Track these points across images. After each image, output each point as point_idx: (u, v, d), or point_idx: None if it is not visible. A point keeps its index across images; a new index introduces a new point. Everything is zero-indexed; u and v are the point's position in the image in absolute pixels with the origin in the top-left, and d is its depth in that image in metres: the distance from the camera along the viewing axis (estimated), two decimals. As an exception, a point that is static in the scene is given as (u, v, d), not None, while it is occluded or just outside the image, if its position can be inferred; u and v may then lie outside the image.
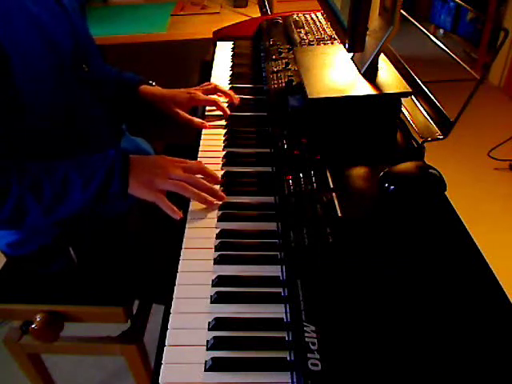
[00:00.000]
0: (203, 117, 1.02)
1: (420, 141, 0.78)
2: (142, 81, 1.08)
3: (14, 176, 0.73)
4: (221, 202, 0.76)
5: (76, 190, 0.74)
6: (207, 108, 1.05)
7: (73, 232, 0.94)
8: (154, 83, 1.10)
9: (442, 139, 0.75)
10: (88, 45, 0.92)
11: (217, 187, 0.79)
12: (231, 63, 1.28)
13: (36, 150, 0.81)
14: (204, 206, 0.76)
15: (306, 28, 1.26)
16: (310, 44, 1.14)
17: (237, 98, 1.05)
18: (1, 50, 0.69)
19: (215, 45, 1.41)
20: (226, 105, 1.03)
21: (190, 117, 1.01)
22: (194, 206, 0.77)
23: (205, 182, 0.78)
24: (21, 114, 0.76)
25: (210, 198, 0.76)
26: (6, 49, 0.69)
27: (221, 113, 1.02)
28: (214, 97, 1.05)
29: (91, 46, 0.95)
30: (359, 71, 0.83)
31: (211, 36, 1.53)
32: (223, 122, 1.00)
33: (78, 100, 0.87)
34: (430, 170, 0.67)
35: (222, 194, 0.78)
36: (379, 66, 0.82)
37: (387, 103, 0.80)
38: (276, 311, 0.58)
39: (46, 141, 0.82)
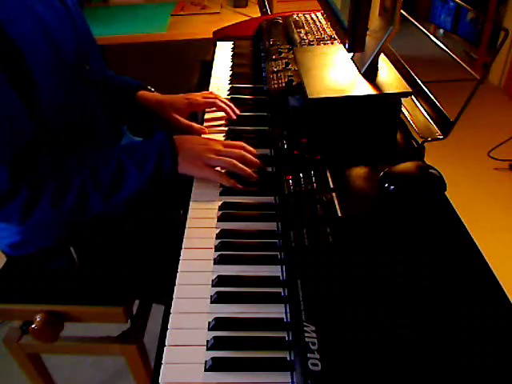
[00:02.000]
0: (202, 120, 1.02)
1: (420, 141, 0.78)
2: (140, 86, 1.08)
3: (75, 166, 0.76)
4: (220, 202, 0.77)
5: (131, 175, 0.77)
6: (206, 110, 1.04)
7: (74, 233, 0.94)
8: (152, 89, 1.09)
9: (442, 139, 0.75)
10: (89, 44, 0.92)
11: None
12: (231, 63, 1.28)
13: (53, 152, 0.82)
14: (204, 206, 0.76)
15: (306, 28, 1.26)
16: (310, 44, 1.14)
17: (237, 112, 1.02)
18: (15, 47, 0.69)
19: (215, 45, 1.41)
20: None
21: (189, 123, 1.00)
22: (195, 206, 0.77)
23: (249, 155, 0.82)
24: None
25: (255, 175, 0.81)
26: (19, 46, 0.69)
27: (221, 115, 1.01)
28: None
29: (92, 44, 0.95)
30: (359, 71, 0.83)
31: (211, 36, 1.53)
32: (222, 121, 1.00)
33: (81, 99, 0.87)
34: (430, 170, 0.67)
35: (263, 165, 0.83)
36: (379, 65, 0.82)
37: (387, 103, 0.80)
38: (276, 311, 0.58)
39: (48, 139, 0.82)
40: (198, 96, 1.04)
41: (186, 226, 0.73)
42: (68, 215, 0.79)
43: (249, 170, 0.81)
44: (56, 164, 0.77)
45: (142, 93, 1.07)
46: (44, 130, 0.79)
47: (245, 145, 0.85)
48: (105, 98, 0.97)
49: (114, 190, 0.78)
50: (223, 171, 0.81)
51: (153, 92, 1.09)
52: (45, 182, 0.74)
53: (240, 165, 0.80)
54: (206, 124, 1.00)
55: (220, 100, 1.02)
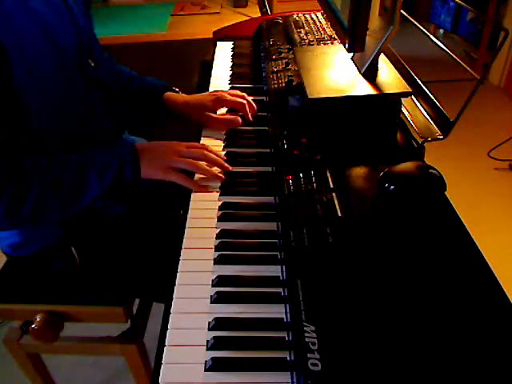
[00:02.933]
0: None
1: (420, 141, 0.78)
2: (165, 87, 1.06)
3: (34, 173, 0.74)
4: (220, 202, 0.77)
5: (91, 185, 0.76)
6: None
7: (74, 233, 0.94)
8: (177, 89, 1.08)
9: (442, 139, 0.75)
10: (92, 42, 0.92)
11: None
12: (231, 63, 1.28)
13: (35, 149, 0.81)
14: (204, 206, 0.76)
15: (306, 28, 1.26)
16: (310, 44, 1.14)
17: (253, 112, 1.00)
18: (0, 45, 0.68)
19: (215, 45, 1.41)
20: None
21: (222, 116, 0.99)
22: (195, 206, 0.77)
23: (212, 154, 0.82)
24: (21, 112, 0.76)
25: (220, 175, 0.81)
26: (2, 42, 0.68)
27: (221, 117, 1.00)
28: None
29: (95, 43, 0.95)
30: (359, 71, 0.83)
31: (211, 36, 1.53)
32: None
33: (83, 98, 0.86)
34: (430, 170, 0.67)
35: (227, 164, 0.83)
36: (379, 66, 0.82)
37: (387, 103, 0.80)
38: (276, 311, 0.58)
39: (46, 139, 0.82)
40: (225, 92, 1.02)
41: (186, 226, 0.73)
42: (23, 223, 0.78)
43: (212, 171, 0.81)
44: (15, 171, 0.74)
45: (169, 94, 1.05)
46: (31, 131, 0.78)
47: (206, 146, 0.86)
48: (110, 94, 0.97)
49: (73, 199, 0.77)
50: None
51: (178, 92, 1.07)
52: (3, 188, 0.72)
53: (202, 166, 0.80)
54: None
55: (249, 104, 0.99)
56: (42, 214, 0.76)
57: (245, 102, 0.99)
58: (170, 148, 0.82)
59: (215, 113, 1.00)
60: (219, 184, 0.80)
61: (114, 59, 1.13)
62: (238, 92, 1.03)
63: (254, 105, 1.01)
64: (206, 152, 0.82)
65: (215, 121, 0.98)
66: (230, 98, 1.00)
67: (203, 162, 0.81)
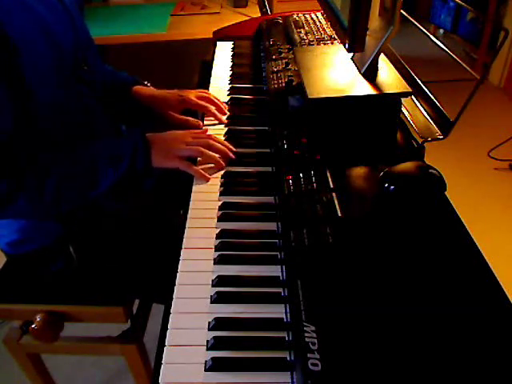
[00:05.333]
0: (203, 119, 1.01)
1: (420, 141, 0.78)
2: (135, 81, 1.08)
3: (51, 163, 0.77)
4: (220, 202, 0.77)
5: (105, 175, 0.78)
6: None
7: (73, 231, 0.94)
8: (148, 84, 1.10)
9: (442, 139, 0.75)
10: (87, 44, 0.92)
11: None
12: (231, 63, 1.28)
13: (37, 147, 0.81)
14: (204, 206, 0.76)
15: (306, 28, 1.26)
16: (310, 44, 1.14)
17: (225, 116, 1.02)
18: (10, 44, 0.69)
19: (215, 45, 1.41)
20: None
21: (184, 118, 1.01)
22: (195, 206, 0.77)
23: (216, 143, 0.85)
24: (29, 106, 0.76)
25: (221, 162, 0.84)
26: (15, 44, 0.69)
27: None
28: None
29: (90, 45, 0.95)
30: (359, 71, 0.83)
31: (211, 36, 1.53)
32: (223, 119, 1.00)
33: (79, 99, 0.87)
34: (430, 170, 0.67)
35: (231, 154, 0.86)
36: (379, 66, 0.82)
37: (387, 103, 0.80)
38: (276, 311, 0.58)
39: (45, 140, 0.82)
40: (191, 94, 1.04)
41: (186, 226, 0.73)
42: (43, 211, 0.80)
43: (216, 157, 0.84)
44: (33, 161, 0.77)
45: (138, 88, 1.07)
46: (35, 129, 0.79)
47: (212, 135, 0.89)
48: (103, 96, 0.97)
49: (89, 188, 0.79)
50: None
51: (148, 87, 1.09)
52: (23, 177, 0.74)
53: (207, 151, 0.83)
54: (206, 123, 1.00)
55: (213, 102, 1.02)
56: (61, 203, 0.79)
57: (208, 105, 1.01)
58: (178, 137, 0.85)
59: (179, 112, 1.03)
60: (220, 173, 0.83)
61: (113, 60, 1.13)
62: (204, 94, 1.04)
63: (223, 106, 1.02)
64: (211, 141, 0.85)
65: (178, 121, 1.00)
66: (195, 101, 1.02)
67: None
